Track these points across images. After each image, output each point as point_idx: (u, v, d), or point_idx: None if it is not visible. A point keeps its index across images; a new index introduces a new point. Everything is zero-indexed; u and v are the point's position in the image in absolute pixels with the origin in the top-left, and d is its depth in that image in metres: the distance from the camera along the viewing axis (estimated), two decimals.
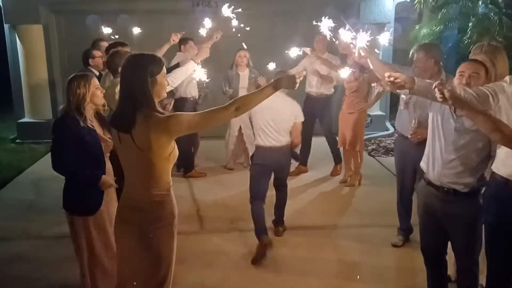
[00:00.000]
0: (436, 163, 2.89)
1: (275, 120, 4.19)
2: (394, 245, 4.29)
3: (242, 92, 6.26)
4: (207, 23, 4.74)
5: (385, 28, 8.27)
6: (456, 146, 2.77)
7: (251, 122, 4.54)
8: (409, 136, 3.73)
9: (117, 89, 3.54)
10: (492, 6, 7.69)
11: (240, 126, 6.43)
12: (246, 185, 5.93)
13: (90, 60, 5.17)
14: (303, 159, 6.54)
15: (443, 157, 2.83)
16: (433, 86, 2.24)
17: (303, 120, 4.38)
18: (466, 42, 7.33)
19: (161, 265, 2.41)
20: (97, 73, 4.94)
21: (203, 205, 5.38)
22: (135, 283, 2.43)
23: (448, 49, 8.13)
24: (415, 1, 8.16)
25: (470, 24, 7.74)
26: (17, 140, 8.27)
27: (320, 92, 6.26)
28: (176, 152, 2.40)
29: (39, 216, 5.05)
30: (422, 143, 3.17)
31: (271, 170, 4.37)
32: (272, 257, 4.13)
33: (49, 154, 7.54)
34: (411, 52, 6.49)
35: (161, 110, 2.32)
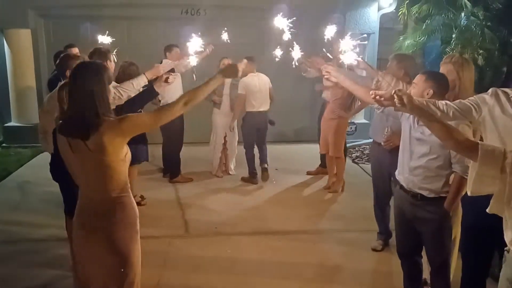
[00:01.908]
0: (404, 169, 3.05)
1: (261, 91, 6.24)
2: (374, 249, 4.40)
3: (225, 99, 6.42)
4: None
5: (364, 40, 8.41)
6: (418, 154, 2.92)
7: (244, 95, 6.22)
8: (382, 143, 3.88)
9: None
10: (474, 18, 7.90)
11: (226, 134, 6.54)
12: (231, 191, 6.05)
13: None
14: (323, 161, 6.64)
15: (409, 164, 2.99)
16: (392, 92, 2.35)
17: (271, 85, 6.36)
18: (449, 53, 7.52)
19: (130, 266, 2.43)
20: None
21: (188, 210, 5.43)
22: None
23: (432, 60, 8.33)
24: (399, 13, 8.37)
25: (453, 35, 7.94)
26: (3, 144, 8.24)
27: (324, 99, 6.48)
28: (130, 153, 2.43)
29: (24, 219, 5.05)
30: (395, 150, 3.30)
31: (256, 128, 6.35)
32: (256, 261, 4.21)
33: (36, 158, 7.57)
34: None
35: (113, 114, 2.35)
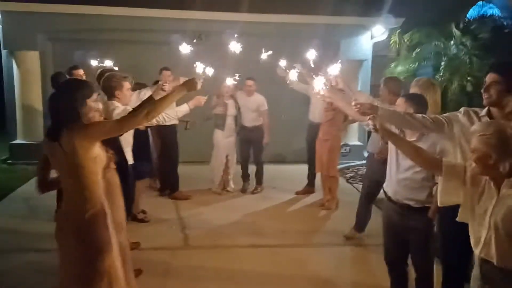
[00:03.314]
0: (391, 181, 3.32)
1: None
2: (346, 237, 5.11)
3: (230, 120, 6.73)
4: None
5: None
6: (405, 167, 3.20)
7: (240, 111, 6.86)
8: (375, 155, 4.24)
9: (117, 111, 3.89)
10: (462, 47, 8.31)
11: (228, 154, 6.81)
12: (230, 206, 6.27)
13: None
14: (310, 181, 6.98)
15: (396, 176, 3.26)
16: (368, 118, 2.72)
17: None
18: (439, 80, 7.88)
19: (101, 262, 2.60)
20: None
21: (188, 224, 5.63)
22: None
23: None
24: (391, 41, 8.78)
25: (442, 63, 8.33)
26: (9, 161, 8.45)
27: (311, 121, 6.81)
28: (103, 156, 2.67)
29: (32, 230, 5.22)
30: (386, 161, 3.60)
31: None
32: (254, 272, 4.42)
33: None
34: None
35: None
